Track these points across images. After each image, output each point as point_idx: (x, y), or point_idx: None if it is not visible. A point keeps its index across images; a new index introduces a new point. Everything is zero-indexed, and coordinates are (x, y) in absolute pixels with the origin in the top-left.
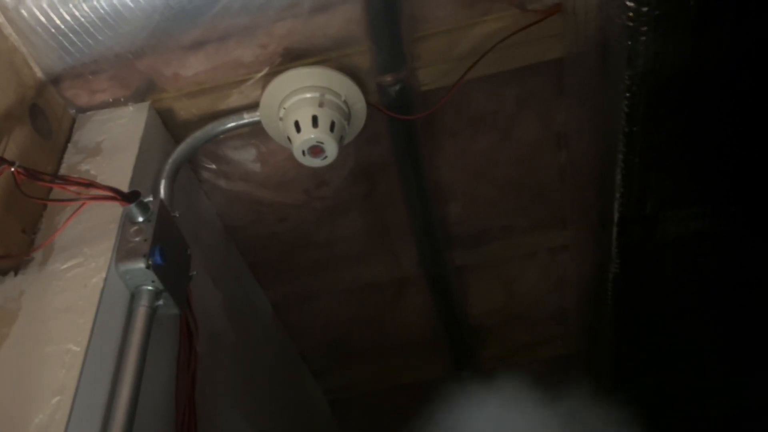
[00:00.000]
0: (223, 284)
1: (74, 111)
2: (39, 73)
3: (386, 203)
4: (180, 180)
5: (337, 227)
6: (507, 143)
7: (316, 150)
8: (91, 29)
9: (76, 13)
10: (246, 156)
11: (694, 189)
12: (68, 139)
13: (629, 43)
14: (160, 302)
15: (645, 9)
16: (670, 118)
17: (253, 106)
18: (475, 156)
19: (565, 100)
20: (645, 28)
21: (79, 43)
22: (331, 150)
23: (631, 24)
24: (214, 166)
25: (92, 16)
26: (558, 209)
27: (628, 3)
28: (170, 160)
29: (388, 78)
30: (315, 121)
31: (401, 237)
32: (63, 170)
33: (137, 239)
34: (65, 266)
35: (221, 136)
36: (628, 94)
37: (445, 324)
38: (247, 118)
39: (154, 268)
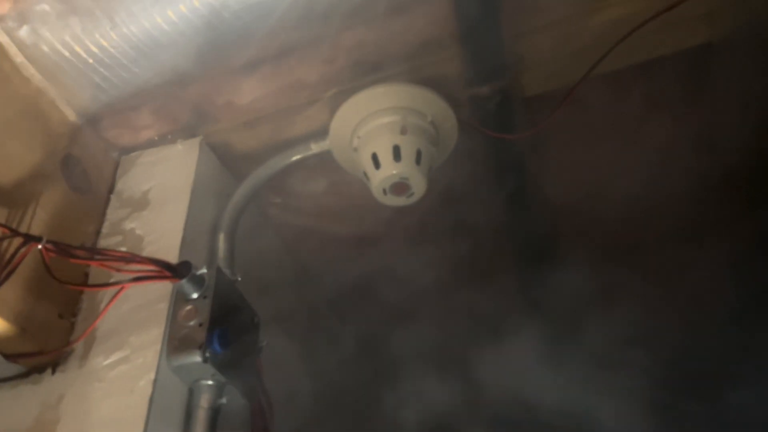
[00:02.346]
0: (299, 333)
1: (117, 153)
2: (72, 116)
3: (480, 227)
4: (241, 224)
5: (423, 257)
6: (630, 151)
7: (400, 187)
8: (125, 61)
9: (105, 44)
10: (315, 187)
11: None
12: (111, 189)
13: None
14: (223, 400)
15: None
16: None
17: (322, 133)
18: (591, 168)
19: (710, 94)
20: None
21: (112, 78)
22: (419, 185)
23: None
24: (279, 200)
25: (124, 45)
26: (692, 224)
27: None
28: (229, 208)
29: (485, 89)
30: (397, 152)
31: (499, 261)
32: (105, 229)
33: (191, 323)
34: (109, 361)
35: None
36: None
37: None
38: (315, 148)
39: (212, 360)
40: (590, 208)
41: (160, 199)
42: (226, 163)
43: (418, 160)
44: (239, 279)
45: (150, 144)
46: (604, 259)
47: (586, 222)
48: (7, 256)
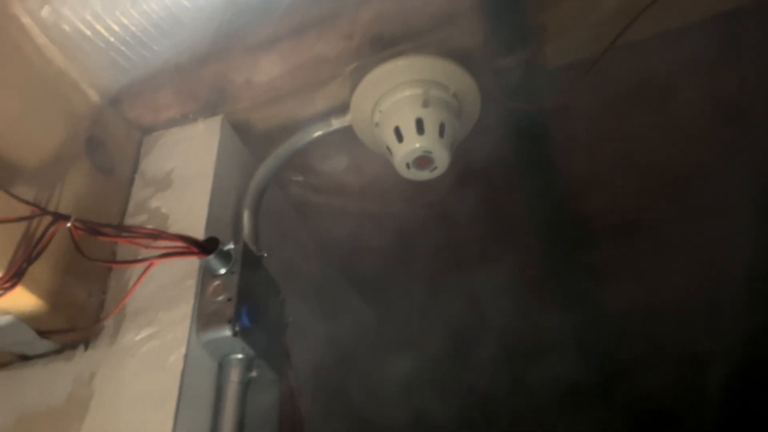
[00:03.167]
0: (324, 312)
1: (139, 134)
2: (94, 96)
3: (505, 203)
4: (265, 201)
5: (447, 234)
6: (659, 122)
7: (423, 161)
8: (145, 39)
9: (126, 22)
10: (336, 165)
11: None
12: (135, 169)
13: None
14: (254, 373)
15: None
16: None
17: (343, 109)
18: (619, 139)
19: (740, 61)
20: None
21: (133, 57)
22: (442, 159)
23: None
24: (301, 178)
25: (144, 23)
26: (720, 197)
27: None
28: (252, 186)
29: (508, 60)
30: (420, 125)
31: (525, 237)
32: (131, 208)
33: (220, 298)
34: (139, 337)
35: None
36: None
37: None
38: (336, 124)
39: (242, 333)
40: (616, 180)
41: (183, 178)
42: (248, 142)
43: (441, 133)
44: (265, 255)
45: (172, 123)
46: (629, 232)
47: (612, 195)
48: (37, 234)
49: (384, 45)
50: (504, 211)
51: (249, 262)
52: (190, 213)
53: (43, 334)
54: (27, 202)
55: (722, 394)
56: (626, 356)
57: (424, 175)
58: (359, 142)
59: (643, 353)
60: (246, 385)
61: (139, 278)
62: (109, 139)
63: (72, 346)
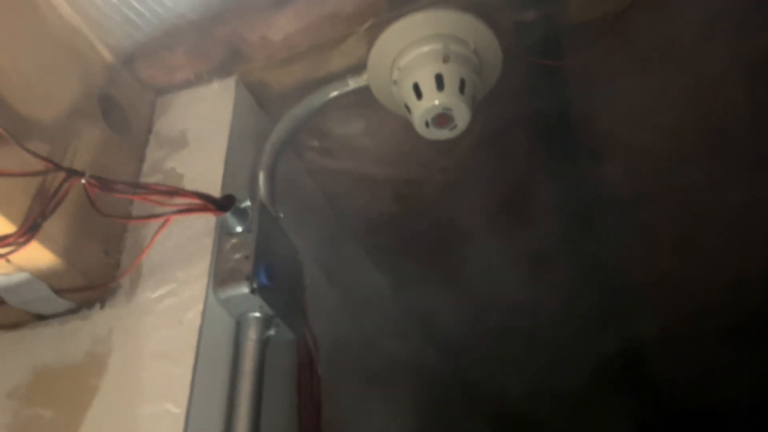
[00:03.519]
0: (339, 279)
1: (153, 95)
2: (108, 56)
3: (524, 168)
4: (280, 164)
5: (463, 201)
6: (684, 78)
7: (442, 119)
8: None
9: None
10: (353, 129)
11: None
12: (149, 130)
13: None
14: (272, 331)
15: None
16: None
17: (359, 68)
18: (641, 99)
19: None
20: None
21: (146, 13)
22: (462, 116)
23: None
24: (317, 143)
25: None
26: (746, 157)
27: None
28: (267, 147)
29: (530, 13)
30: (440, 81)
31: (542, 207)
32: (145, 169)
33: (237, 256)
34: (156, 294)
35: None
36: None
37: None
38: (352, 84)
39: (260, 291)
40: (639, 139)
41: (198, 138)
42: (263, 104)
43: (461, 89)
44: (282, 216)
45: (186, 84)
46: (651, 200)
47: (634, 156)
48: (52, 190)
49: (402, 0)
50: (523, 176)
51: (266, 221)
52: (205, 173)
53: (59, 292)
54: (41, 157)
55: None
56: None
57: (444, 134)
58: (376, 104)
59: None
60: (264, 343)
61: (155, 235)
62: (123, 99)
63: (88, 305)
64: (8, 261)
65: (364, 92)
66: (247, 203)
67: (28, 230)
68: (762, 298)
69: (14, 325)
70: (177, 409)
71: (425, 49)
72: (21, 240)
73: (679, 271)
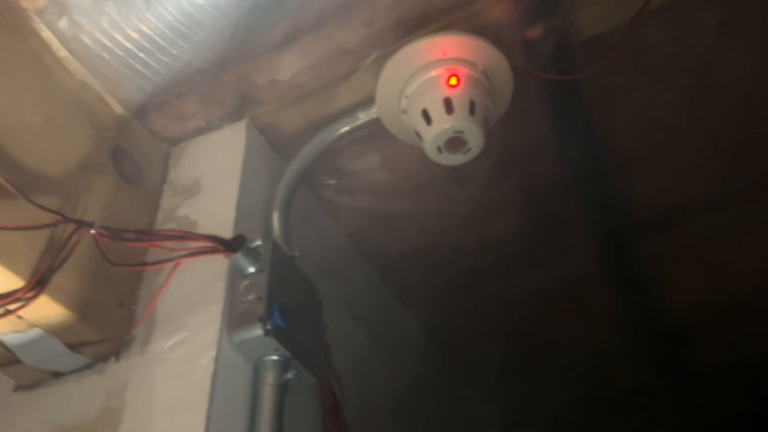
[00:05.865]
0: (365, 317)
1: (166, 145)
2: (118, 109)
3: (548, 191)
4: (297, 205)
5: (489, 230)
6: (706, 89)
7: (455, 143)
8: (163, 43)
9: (143, 27)
10: (368, 164)
11: None
12: (164, 179)
13: None
14: (290, 375)
15: None
16: None
17: (368, 102)
18: (663, 112)
19: None
20: None
21: (153, 63)
22: (476, 139)
23: None
24: (333, 181)
25: (161, 27)
26: None
27: None
28: (281, 186)
29: (538, 29)
30: (449, 104)
31: (573, 230)
32: (160, 218)
33: (250, 297)
34: (170, 343)
35: (336, 145)
36: None
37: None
38: (362, 117)
39: (274, 333)
40: (665, 155)
41: (211, 183)
42: (275, 145)
43: (471, 111)
44: (297, 254)
45: (198, 132)
46: (683, 216)
47: (660, 174)
48: (61, 243)
49: (407, 29)
50: (549, 199)
51: (279, 261)
52: (217, 217)
53: (73, 347)
54: (49, 210)
55: None
56: None
57: (458, 158)
58: (389, 137)
59: None
60: (282, 388)
61: (166, 281)
62: (136, 150)
63: (104, 359)
64: (20, 317)
65: (376, 125)
66: (258, 242)
67: (36, 284)
68: None
69: (32, 385)
70: None
71: (431, 74)
72: (29, 295)
73: None
